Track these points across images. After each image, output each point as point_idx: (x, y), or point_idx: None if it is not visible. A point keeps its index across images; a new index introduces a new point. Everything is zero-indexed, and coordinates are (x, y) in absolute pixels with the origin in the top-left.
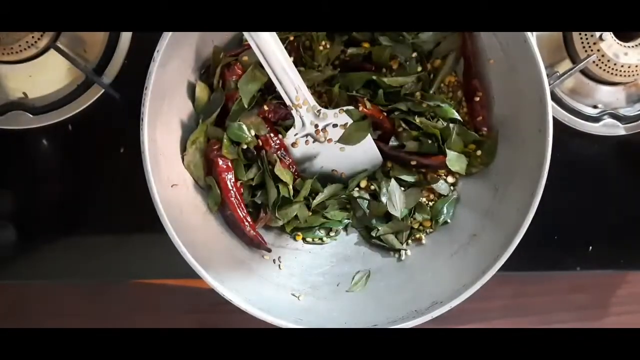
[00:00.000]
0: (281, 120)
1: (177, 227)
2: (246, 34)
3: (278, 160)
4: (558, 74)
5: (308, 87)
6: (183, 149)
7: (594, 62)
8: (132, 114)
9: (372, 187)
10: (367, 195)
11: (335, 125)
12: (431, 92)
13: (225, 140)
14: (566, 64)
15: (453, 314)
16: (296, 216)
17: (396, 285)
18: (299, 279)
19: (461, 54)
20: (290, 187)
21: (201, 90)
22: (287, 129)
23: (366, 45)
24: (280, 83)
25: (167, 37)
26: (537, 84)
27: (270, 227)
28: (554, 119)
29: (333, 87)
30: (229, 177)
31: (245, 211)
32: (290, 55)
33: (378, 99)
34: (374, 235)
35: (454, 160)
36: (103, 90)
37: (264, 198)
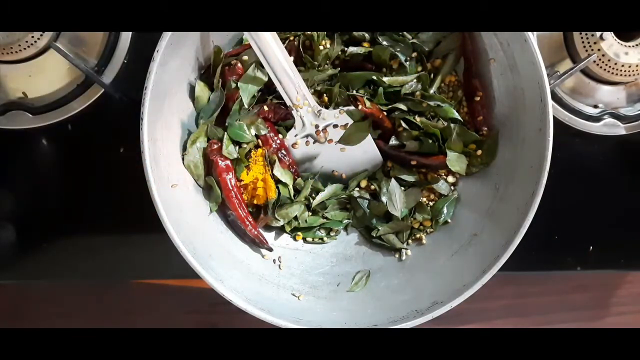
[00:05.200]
0: (281, 120)
1: (177, 227)
2: (246, 34)
3: (277, 160)
4: (558, 73)
5: (308, 86)
6: (183, 149)
7: (594, 61)
8: (132, 113)
9: (372, 187)
10: (367, 195)
11: (335, 126)
12: (431, 91)
13: (225, 140)
14: (566, 64)
15: (453, 314)
16: (296, 216)
17: (396, 285)
18: (299, 279)
19: (461, 53)
20: (291, 187)
21: (201, 90)
22: (287, 129)
23: (366, 45)
24: (281, 83)
25: (167, 36)
26: (538, 84)
27: (271, 227)
28: (555, 118)
29: (333, 86)
30: (229, 177)
31: (246, 211)
32: (290, 55)
33: (378, 98)
34: (374, 235)
35: (454, 160)
36: (103, 90)
37: None
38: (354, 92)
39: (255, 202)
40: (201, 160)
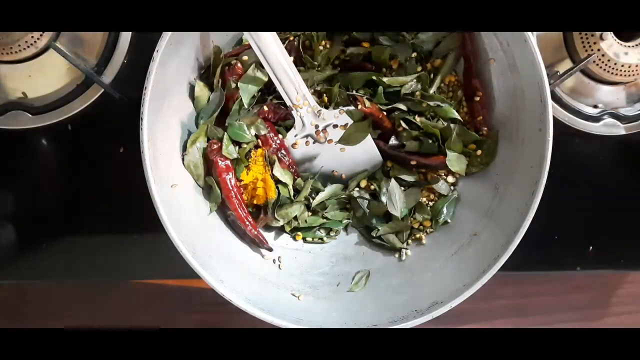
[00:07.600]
0: (281, 120)
1: (177, 227)
2: (246, 34)
3: (277, 160)
4: (558, 73)
5: (308, 86)
6: (183, 149)
7: (594, 61)
8: (132, 113)
9: (372, 187)
10: (367, 195)
11: (335, 126)
12: (431, 91)
13: (225, 140)
14: (566, 64)
15: (453, 314)
16: (296, 216)
17: (396, 285)
18: (299, 279)
19: (461, 53)
20: (290, 187)
21: (201, 90)
22: (287, 129)
23: (366, 45)
24: (281, 83)
25: (166, 36)
26: (537, 84)
27: (270, 227)
28: (554, 118)
29: (333, 86)
30: (229, 177)
31: (246, 211)
32: (290, 55)
33: (378, 98)
34: (374, 235)
35: (454, 160)
36: (102, 90)
37: None
38: (354, 92)
39: (255, 202)
40: (201, 160)
